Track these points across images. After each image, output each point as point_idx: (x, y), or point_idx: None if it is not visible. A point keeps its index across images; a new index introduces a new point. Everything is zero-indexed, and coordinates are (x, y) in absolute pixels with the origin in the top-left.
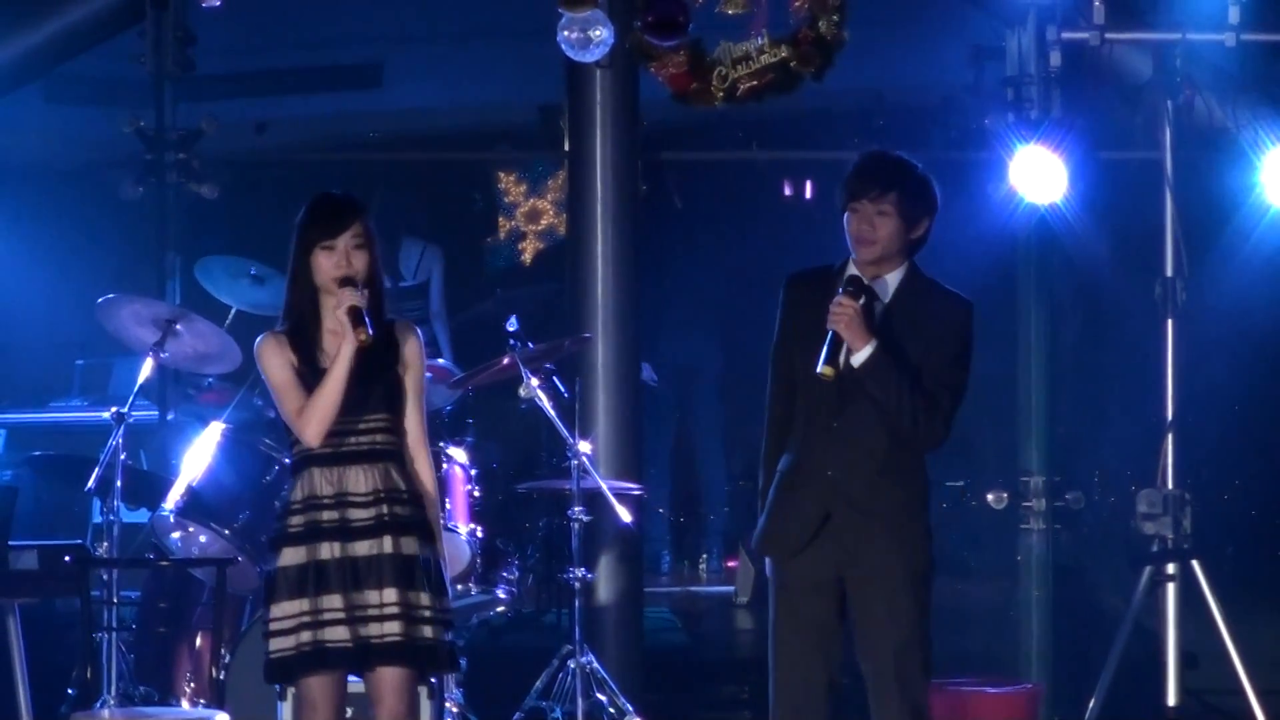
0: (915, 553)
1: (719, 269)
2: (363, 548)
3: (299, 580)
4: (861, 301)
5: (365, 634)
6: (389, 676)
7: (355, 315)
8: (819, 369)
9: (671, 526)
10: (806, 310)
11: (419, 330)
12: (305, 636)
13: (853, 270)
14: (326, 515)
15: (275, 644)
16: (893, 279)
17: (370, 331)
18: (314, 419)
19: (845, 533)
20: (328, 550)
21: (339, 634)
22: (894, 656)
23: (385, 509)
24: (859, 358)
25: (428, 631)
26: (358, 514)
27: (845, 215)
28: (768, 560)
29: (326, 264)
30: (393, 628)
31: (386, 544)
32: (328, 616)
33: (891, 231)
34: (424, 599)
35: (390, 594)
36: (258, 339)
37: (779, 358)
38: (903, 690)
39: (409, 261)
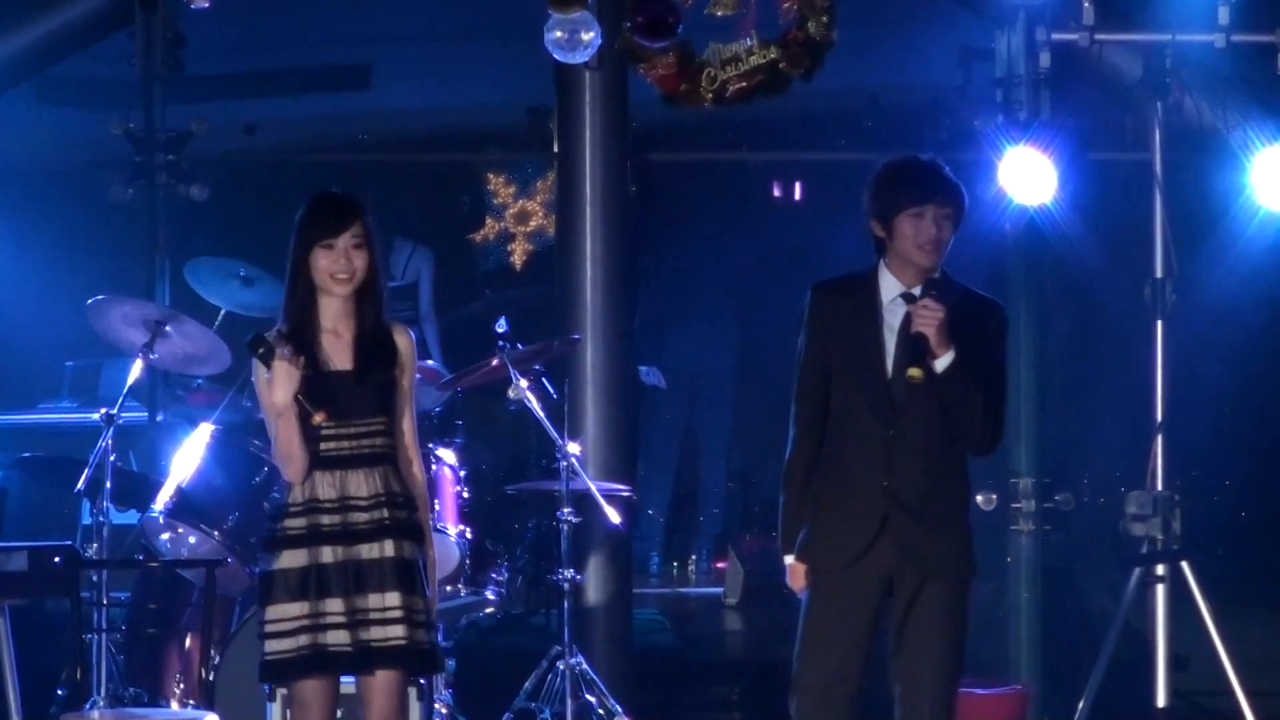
0: (965, 554)
1: (708, 271)
2: (365, 551)
3: (300, 583)
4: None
5: (366, 638)
6: (382, 678)
7: (301, 406)
8: (908, 372)
9: (661, 528)
10: (842, 320)
11: (411, 332)
12: (304, 640)
13: (887, 275)
14: (328, 519)
15: (272, 645)
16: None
17: (325, 412)
18: (284, 465)
19: (902, 538)
20: (330, 554)
21: (340, 638)
22: (941, 658)
23: (386, 513)
24: (942, 363)
25: (423, 635)
26: (360, 517)
27: (899, 220)
28: (808, 572)
29: (325, 263)
30: (396, 631)
31: (388, 548)
32: (329, 620)
33: (950, 236)
34: (419, 603)
35: (393, 598)
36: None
37: (810, 370)
38: (945, 692)
39: (398, 262)
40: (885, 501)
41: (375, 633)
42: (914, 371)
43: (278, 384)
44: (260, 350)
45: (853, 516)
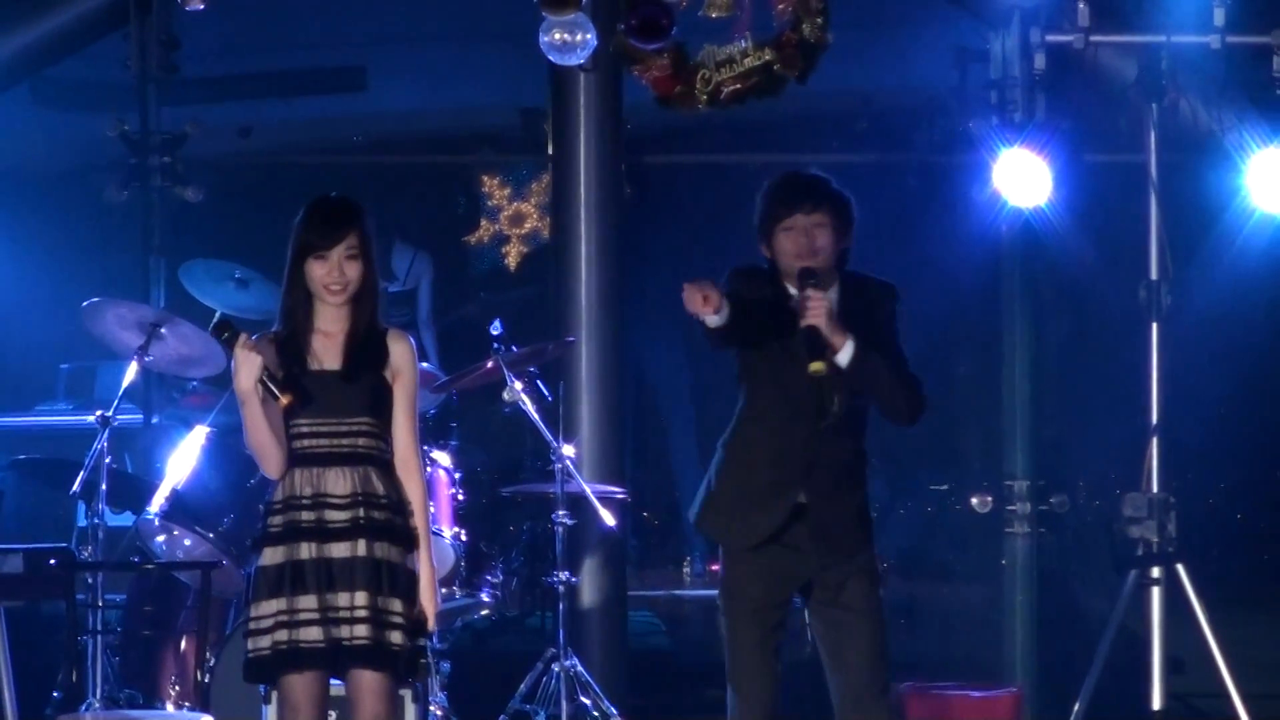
0: (873, 551)
1: (702, 272)
2: (338, 549)
3: (277, 580)
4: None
5: (337, 635)
6: (366, 679)
7: (266, 389)
8: (810, 367)
9: (655, 530)
10: (760, 304)
11: (411, 338)
12: (281, 636)
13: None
14: (305, 516)
15: (252, 643)
16: (833, 291)
17: (292, 395)
18: (257, 457)
19: (819, 527)
20: (306, 550)
21: (312, 634)
22: (877, 656)
23: (362, 512)
24: (844, 356)
25: (396, 637)
26: (334, 515)
27: (775, 237)
28: (726, 553)
29: (319, 273)
30: (362, 631)
31: (360, 547)
32: (303, 617)
33: (829, 243)
34: (395, 605)
35: (361, 597)
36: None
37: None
38: (884, 689)
39: (400, 267)
40: (805, 486)
41: (345, 631)
42: (815, 365)
43: (240, 369)
44: (225, 335)
45: (771, 497)
